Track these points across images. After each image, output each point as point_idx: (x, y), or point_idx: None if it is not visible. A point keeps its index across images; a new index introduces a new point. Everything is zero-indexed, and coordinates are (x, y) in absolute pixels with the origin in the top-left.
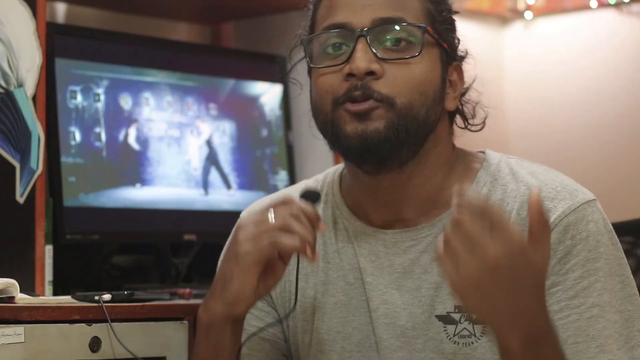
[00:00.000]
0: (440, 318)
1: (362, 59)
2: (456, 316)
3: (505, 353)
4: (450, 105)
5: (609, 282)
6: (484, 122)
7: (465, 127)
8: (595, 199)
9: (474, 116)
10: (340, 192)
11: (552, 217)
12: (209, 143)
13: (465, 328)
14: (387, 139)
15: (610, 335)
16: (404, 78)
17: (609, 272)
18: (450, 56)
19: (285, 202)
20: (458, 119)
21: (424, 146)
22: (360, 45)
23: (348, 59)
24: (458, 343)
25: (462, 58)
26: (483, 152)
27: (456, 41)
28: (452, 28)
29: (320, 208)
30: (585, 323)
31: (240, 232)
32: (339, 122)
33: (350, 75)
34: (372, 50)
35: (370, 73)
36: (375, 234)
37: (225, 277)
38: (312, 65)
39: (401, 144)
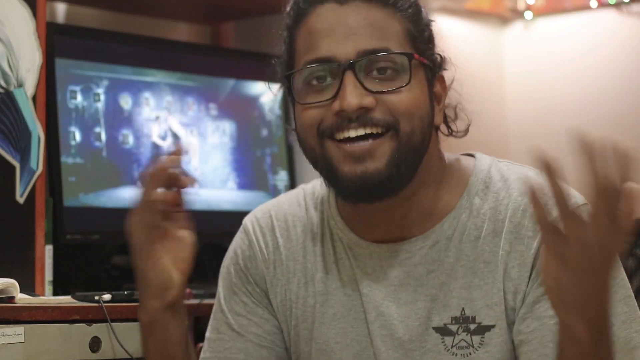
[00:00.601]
0: (437, 330)
1: (352, 95)
2: (453, 327)
3: (574, 343)
4: (438, 120)
5: None
6: (467, 129)
7: (450, 134)
8: (587, 203)
9: (456, 118)
10: (336, 203)
11: None
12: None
13: (463, 339)
14: (389, 177)
15: None
16: (400, 105)
17: None
18: (433, 71)
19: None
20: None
21: (418, 168)
22: (349, 80)
23: (336, 94)
24: (456, 354)
25: (443, 68)
26: (472, 155)
27: (436, 55)
28: (432, 44)
29: (316, 217)
30: None
31: (128, 227)
32: (332, 161)
33: (341, 111)
34: (361, 84)
35: (362, 107)
36: (369, 247)
37: (140, 275)
38: (298, 102)
39: (401, 179)
